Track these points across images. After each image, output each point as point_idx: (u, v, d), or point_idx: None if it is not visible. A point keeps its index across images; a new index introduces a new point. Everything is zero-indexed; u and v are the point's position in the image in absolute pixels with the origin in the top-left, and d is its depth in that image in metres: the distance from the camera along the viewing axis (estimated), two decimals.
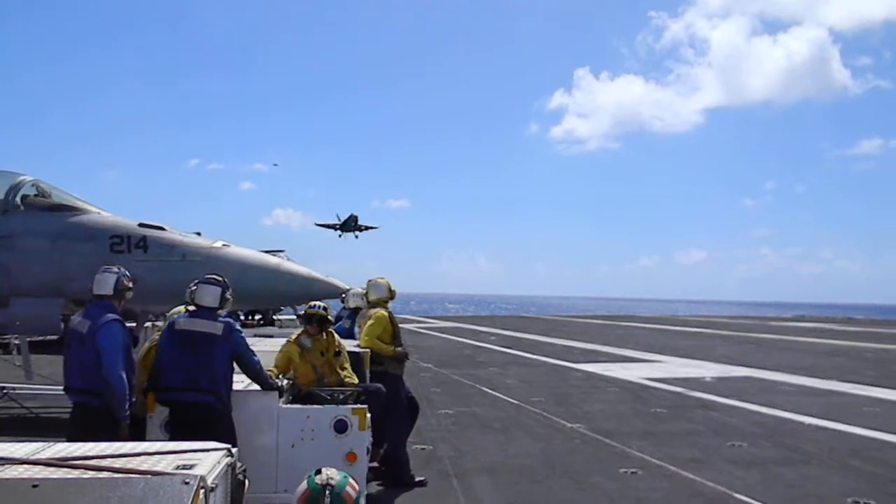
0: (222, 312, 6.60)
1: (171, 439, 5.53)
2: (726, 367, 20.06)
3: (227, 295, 6.57)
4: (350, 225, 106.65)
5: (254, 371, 6.48)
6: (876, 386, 16.15)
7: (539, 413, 12.65)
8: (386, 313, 8.62)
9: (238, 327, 6.55)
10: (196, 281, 6.75)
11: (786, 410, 12.90)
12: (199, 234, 13.68)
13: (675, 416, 12.62)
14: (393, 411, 8.13)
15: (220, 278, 6.63)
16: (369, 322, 8.54)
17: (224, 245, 12.11)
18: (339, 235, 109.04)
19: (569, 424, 11.62)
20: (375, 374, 8.36)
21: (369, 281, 9.21)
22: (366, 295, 9.33)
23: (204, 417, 6.03)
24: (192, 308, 6.59)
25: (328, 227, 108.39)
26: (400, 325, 9.03)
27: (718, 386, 16.15)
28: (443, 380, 16.94)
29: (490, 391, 15.12)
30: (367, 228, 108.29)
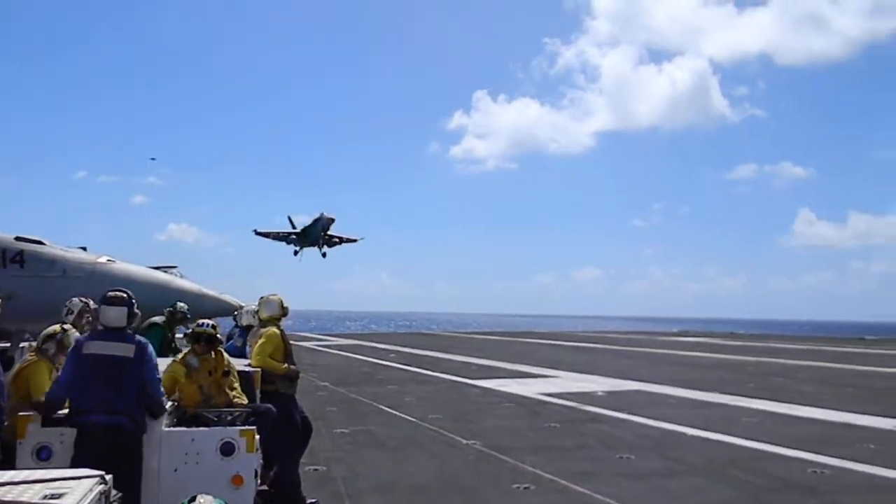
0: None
1: (77, 464, 5.23)
2: (617, 381, 20.66)
3: (135, 310, 6.33)
4: (315, 235, 74.81)
5: (155, 400, 6.22)
6: (754, 398, 16.97)
7: (435, 430, 12.66)
8: (278, 331, 8.45)
9: (151, 349, 6.31)
10: (74, 298, 6.44)
11: (671, 423, 13.38)
12: (84, 248, 13.10)
13: (568, 430, 12.89)
14: (284, 432, 7.96)
15: (123, 294, 6.34)
16: (260, 340, 8.36)
17: (109, 260, 11.64)
18: (296, 252, 77.95)
19: (464, 441, 11.68)
20: (266, 394, 8.17)
21: (261, 298, 9.01)
22: (258, 312, 9.12)
23: (117, 439, 5.80)
24: (67, 327, 6.29)
25: (278, 238, 77.36)
26: (299, 343, 8.91)
27: (609, 400, 16.60)
28: (339, 398, 16.75)
29: (387, 409, 15.04)
30: (342, 241, 76.96)
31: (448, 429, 12.70)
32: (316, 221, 75.08)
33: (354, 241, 79.11)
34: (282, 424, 7.81)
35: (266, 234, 78.11)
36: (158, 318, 10.87)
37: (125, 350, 6.10)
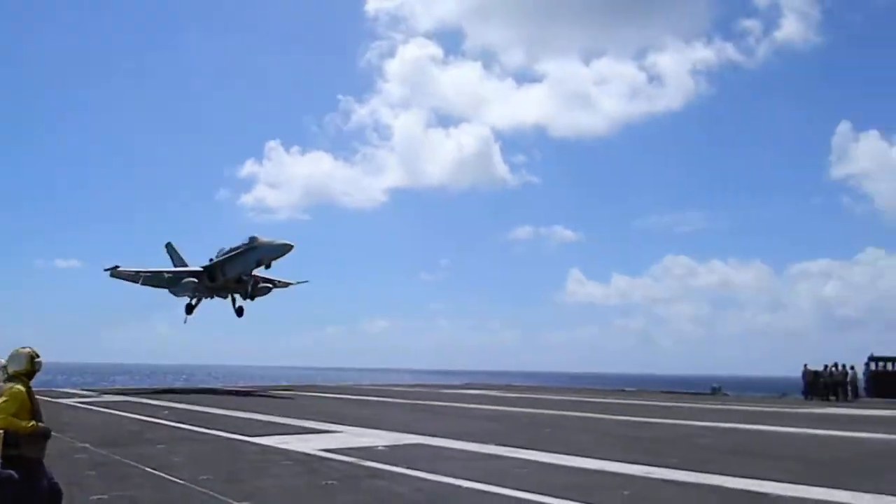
0: None
1: None
2: (400, 434, 20.82)
3: None
4: (238, 272, 46.38)
5: None
6: (526, 448, 17.81)
7: (206, 492, 11.99)
8: (23, 388, 7.67)
9: None
10: None
11: (448, 476, 13.66)
12: None
13: (346, 487, 12.75)
14: (27, 501, 7.20)
15: None
16: (3, 399, 7.55)
17: None
18: (190, 307, 49.85)
19: (235, 503, 11.17)
20: (9, 459, 7.35)
21: (13, 351, 8.18)
22: (5, 367, 8.25)
23: None
24: None
25: (156, 281, 48.49)
26: (58, 401, 8.18)
27: (390, 454, 16.68)
28: (100, 461, 15.41)
29: (154, 471, 14.04)
30: (274, 286, 50.16)
31: (219, 490, 12.07)
32: (246, 253, 44.91)
33: (286, 284, 51.46)
34: (25, 493, 7.08)
35: (132, 277, 46.51)
36: None
37: None
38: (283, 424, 23.88)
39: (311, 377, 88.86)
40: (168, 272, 49.54)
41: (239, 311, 50.39)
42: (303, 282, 53.64)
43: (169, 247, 54.18)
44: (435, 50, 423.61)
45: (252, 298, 48.82)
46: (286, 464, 15.33)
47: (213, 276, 47.47)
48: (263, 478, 13.56)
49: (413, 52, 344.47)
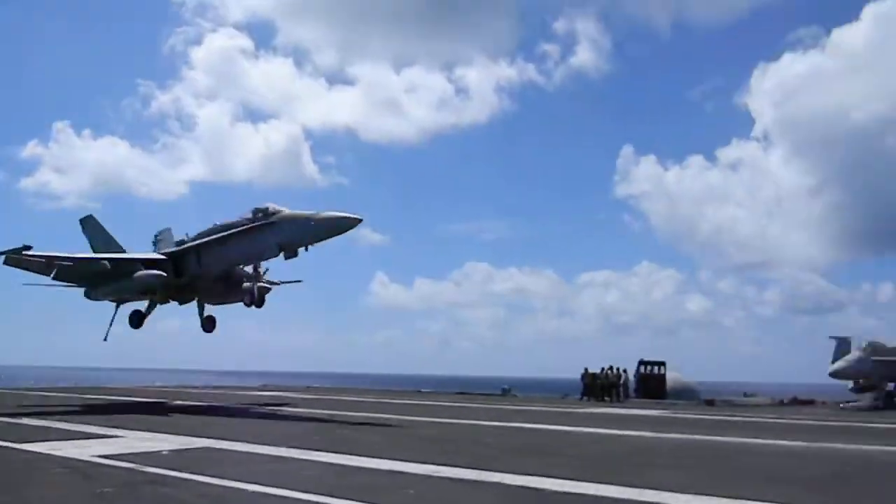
0: None
1: None
2: (187, 438, 20.03)
3: None
4: (206, 263, 31.78)
5: None
6: (318, 450, 17.80)
7: None
8: None
9: None
10: None
11: (235, 480, 13.34)
12: None
13: (123, 495, 12.10)
14: None
15: None
16: None
17: None
18: (139, 316, 34.79)
19: None
20: None
21: None
22: None
23: None
24: None
25: (79, 272, 32.40)
26: None
27: (175, 459, 16.00)
28: None
29: None
30: (269, 287, 34.60)
31: None
32: (262, 230, 29.64)
33: (275, 284, 36.07)
34: None
35: (41, 267, 30.97)
36: None
37: None
38: (57, 429, 22.16)
39: (96, 378, 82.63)
40: (109, 259, 32.61)
41: (208, 323, 35.30)
42: (296, 281, 39.64)
43: (89, 222, 36.84)
44: (245, 42, 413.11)
45: (260, 304, 32.52)
46: (57, 472, 14.26)
47: (181, 269, 32.15)
48: (29, 487, 12.56)
49: (222, 42, 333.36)
